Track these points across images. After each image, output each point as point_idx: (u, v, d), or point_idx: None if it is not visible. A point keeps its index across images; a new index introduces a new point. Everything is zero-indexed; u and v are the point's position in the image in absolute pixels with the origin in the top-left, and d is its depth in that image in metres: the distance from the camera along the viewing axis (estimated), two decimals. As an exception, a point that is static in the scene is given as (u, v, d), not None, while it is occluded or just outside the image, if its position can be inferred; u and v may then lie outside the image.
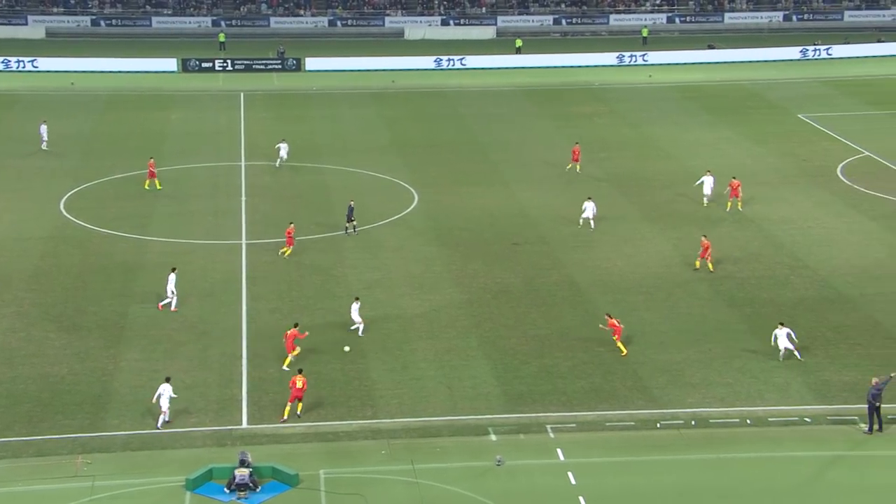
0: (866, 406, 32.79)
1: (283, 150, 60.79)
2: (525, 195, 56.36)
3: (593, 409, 34.54)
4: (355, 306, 40.02)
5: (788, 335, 36.94)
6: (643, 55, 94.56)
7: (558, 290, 43.63)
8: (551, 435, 33.16)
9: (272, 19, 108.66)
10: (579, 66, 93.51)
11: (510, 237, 49.92)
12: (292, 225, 47.57)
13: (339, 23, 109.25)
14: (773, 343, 37.21)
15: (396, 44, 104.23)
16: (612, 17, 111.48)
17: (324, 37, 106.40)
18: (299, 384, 33.69)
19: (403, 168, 61.63)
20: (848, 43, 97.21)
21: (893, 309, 41.24)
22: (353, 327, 39.82)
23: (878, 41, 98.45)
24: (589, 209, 50.57)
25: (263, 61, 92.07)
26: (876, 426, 32.74)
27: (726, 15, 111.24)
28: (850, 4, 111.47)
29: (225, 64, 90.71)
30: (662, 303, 42.31)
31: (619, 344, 38.12)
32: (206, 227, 51.44)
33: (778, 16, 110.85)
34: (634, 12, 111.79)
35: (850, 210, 52.71)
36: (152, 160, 57.13)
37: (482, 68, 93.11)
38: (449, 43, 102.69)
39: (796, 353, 36.95)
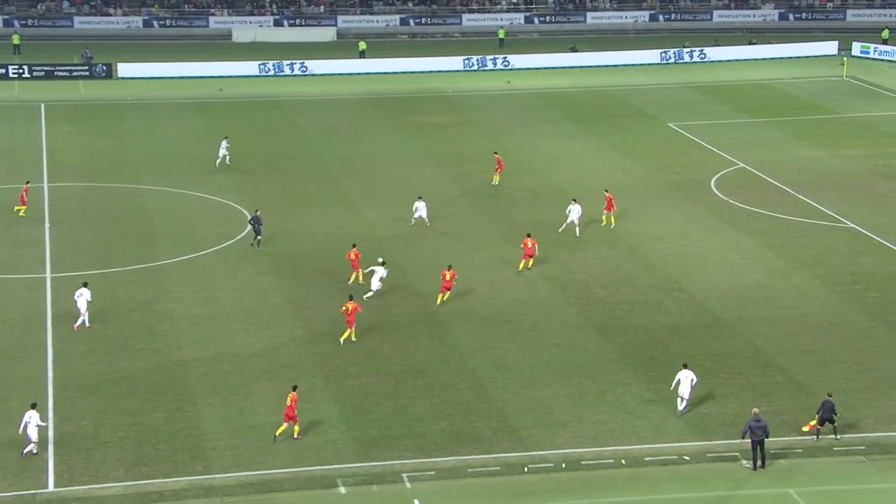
0: (749, 441, 33.81)
1: (223, 147, 64.17)
2: (374, 216, 56.52)
3: (454, 453, 34.77)
4: (380, 272, 45.00)
5: (692, 381, 36.73)
6: (500, 59, 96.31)
7: (413, 322, 43.84)
8: (408, 485, 33.22)
9: (76, 19, 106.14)
10: (430, 72, 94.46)
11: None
12: (355, 248, 47.82)
13: (155, 23, 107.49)
14: (672, 388, 36.97)
15: (223, 47, 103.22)
16: (465, 17, 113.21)
17: (138, 39, 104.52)
18: (288, 401, 34.91)
19: (234, 188, 60.98)
20: (718, 45, 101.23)
21: (773, 333, 42.96)
22: (368, 294, 44.83)
23: (750, 43, 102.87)
24: (421, 209, 53.60)
25: (67, 67, 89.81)
26: (759, 462, 33.87)
27: (588, 15, 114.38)
28: (718, 4, 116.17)
29: (21, 70, 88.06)
30: (528, 333, 43.00)
31: (441, 296, 44.43)
32: (1, 258, 49.71)
33: (643, 16, 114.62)
34: (489, 12, 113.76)
35: (726, 227, 54.76)
36: (28, 184, 56.50)
37: (322, 74, 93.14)
38: (284, 46, 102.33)
39: (683, 403, 36.81)
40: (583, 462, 34.39)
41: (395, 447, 35.03)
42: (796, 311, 45.04)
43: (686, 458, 34.69)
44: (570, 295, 46.66)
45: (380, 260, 46.65)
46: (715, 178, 63.20)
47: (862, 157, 67.37)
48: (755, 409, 34.31)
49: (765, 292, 46.95)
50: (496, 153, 62.78)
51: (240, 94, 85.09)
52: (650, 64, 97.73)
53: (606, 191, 54.83)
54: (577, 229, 52.69)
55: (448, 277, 45.16)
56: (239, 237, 53.05)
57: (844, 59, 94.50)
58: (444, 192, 60.20)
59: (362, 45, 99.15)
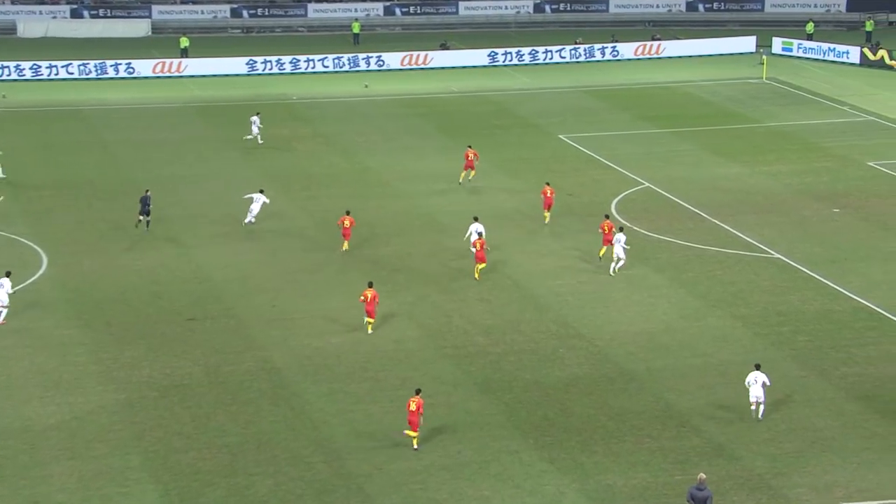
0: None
1: (255, 124, 72.99)
2: (203, 252, 56.09)
3: (307, 543, 34.62)
4: (477, 226, 53.59)
5: (764, 384, 40.55)
6: (356, 58, 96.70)
7: (253, 382, 43.56)
8: (250, 584, 32.96)
9: None
10: (270, 74, 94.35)
11: (184, 311, 49.50)
12: (349, 214, 55.88)
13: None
14: (747, 386, 40.80)
15: (7, 43, 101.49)
16: (312, 7, 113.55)
17: None
18: (413, 406, 38.63)
19: (21, 218, 60.04)
20: (616, 41, 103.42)
21: (688, 387, 43.74)
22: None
23: (653, 38, 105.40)
24: (257, 203, 58.38)
25: None
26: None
27: (461, 5, 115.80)
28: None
29: None
30: (394, 392, 43.04)
31: (477, 269, 52.48)
32: None
33: (527, 6, 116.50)
34: (341, 1, 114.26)
35: (630, 259, 55.67)
36: None
37: (134, 77, 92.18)
38: (84, 42, 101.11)
39: (761, 409, 40.65)
40: (464, 549, 34.51)
41: (233, 538, 34.74)
42: (714, 358, 46.01)
43: (588, 539, 35.12)
44: (445, 344, 46.90)
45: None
46: (616, 200, 64.33)
47: (787, 174, 69.41)
48: (701, 475, 34.78)
49: (677, 337, 47.87)
50: (470, 146, 66.46)
51: (28, 101, 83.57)
52: (536, 63, 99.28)
53: (607, 217, 56.54)
54: (621, 263, 53.31)
55: (479, 248, 52.42)
56: (29, 281, 52.04)
57: (764, 57, 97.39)
58: (291, 220, 60.03)
59: (184, 42, 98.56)
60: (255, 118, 73.49)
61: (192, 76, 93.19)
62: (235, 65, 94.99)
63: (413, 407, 38.62)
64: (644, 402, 42.41)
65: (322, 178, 67.84)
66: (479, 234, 53.67)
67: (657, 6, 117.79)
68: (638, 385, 43.78)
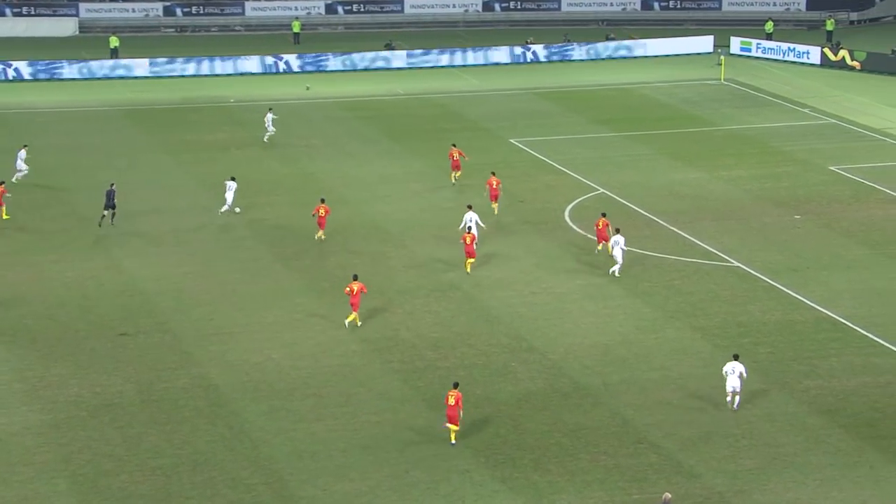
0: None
1: (269, 120, 74.85)
2: (135, 264, 55.79)
3: (246, 570, 34.45)
4: (472, 215, 55.94)
5: (741, 374, 42.36)
6: (297, 59, 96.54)
7: (189, 400, 43.33)
8: None
9: None
10: (206, 75, 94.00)
11: (115, 325, 49.21)
12: (324, 202, 58.14)
13: None
14: (724, 376, 42.73)
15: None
16: (250, 5, 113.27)
17: None
18: (451, 401, 39.93)
19: (-54, 228, 59.50)
20: (569, 42, 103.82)
21: (645, 402, 43.90)
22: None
23: (608, 38, 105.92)
24: (230, 192, 60.18)
25: None
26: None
27: (407, 3, 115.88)
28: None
29: None
30: (338, 409, 42.96)
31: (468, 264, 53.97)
32: None
33: (476, 4, 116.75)
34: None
35: (585, 268, 55.91)
36: (3, 185, 60.73)
37: (61, 79, 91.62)
38: (8, 42, 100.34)
39: (736, 399, 42.42)
40: (412, 574, 34.48)
41: (168, 565, 34.51)
42: (673, 372, 46.19)
43: (542, 562, 35.11)
44: (391, 359, 46.82)
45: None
46: (569, 207, 64.52)
47: (746, 179, 69.87)
48: (667, 495, 34.91)
49: (634, 350, 48.03)
50: (454, 145, 67.73)
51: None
52: (486, 64, 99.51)
53: (604, 214, 57.00)
54: (618, 267, 54.37)
55: (469, 241, 53.81)
56: (-47, 294, 51.65)
57: (722, 57, 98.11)
58: (228, 230, 59.78)
59: (114, 42, 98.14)
60: (269, 115, 75.00)
61: (123, 77, 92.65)
62: (169, 65, 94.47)
63: (452, 401, 39.83)
64: (600, 418, 42.50)
65: (261, 184, 67.57)
66: (469, 229, 55.07)
67: (611, 4, 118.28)
68: (593, 400, 43.87)
